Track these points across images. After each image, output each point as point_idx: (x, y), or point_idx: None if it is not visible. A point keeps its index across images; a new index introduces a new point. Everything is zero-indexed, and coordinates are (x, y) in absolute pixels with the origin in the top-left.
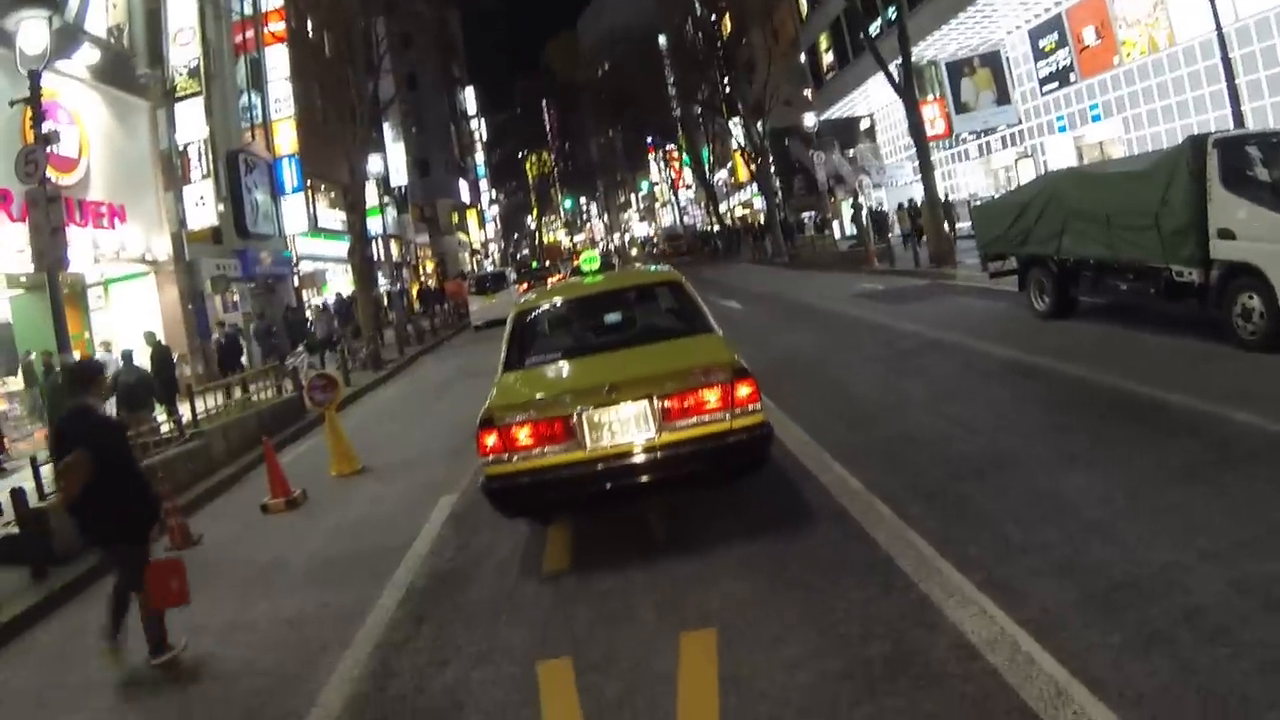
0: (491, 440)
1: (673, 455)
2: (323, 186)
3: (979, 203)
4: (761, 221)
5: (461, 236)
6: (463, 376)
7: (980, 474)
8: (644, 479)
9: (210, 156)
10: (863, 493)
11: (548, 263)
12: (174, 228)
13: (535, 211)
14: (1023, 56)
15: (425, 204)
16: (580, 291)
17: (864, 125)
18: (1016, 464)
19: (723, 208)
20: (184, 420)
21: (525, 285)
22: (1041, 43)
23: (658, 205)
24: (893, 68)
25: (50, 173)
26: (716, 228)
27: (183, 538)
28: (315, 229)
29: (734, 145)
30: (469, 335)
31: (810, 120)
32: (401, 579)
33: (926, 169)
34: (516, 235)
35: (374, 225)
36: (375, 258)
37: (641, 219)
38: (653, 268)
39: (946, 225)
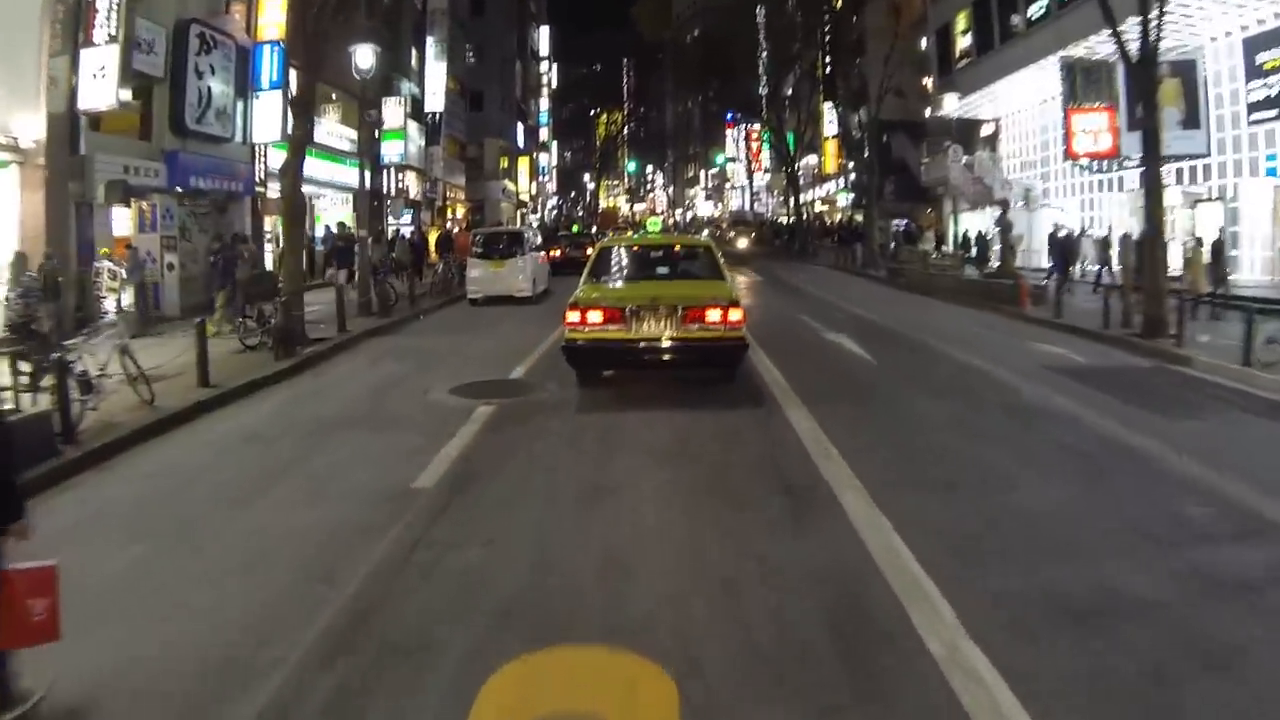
0: (575, 317)
1: (683, 345)
2: (333, 96)
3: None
4: (848, 222)
5: (508, 185)
6: (355, 426)
7: None
8: (664, 356)
9: (120, 13)
10: None
11: (594, 228)
12: (56, 106)
13: (596, 170)
14: (1228, 72)
15: (470, 142)
16: (643, 241)
17: (985, 131)
18: None
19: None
20: None
21: (556, 251)
22: (1260, 58)
23: (727, 186)
24: (1053, 59)
25: None
26: (789, 220)
27: None
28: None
29: (825, 133)
30: (462, 311)
31: (951, 104)
32: None
33: (1154, 188)
34: (574, 194)
35: (391, 151)
36: (386, 191)
37: (708, 198)
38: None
39: (1204, 277)
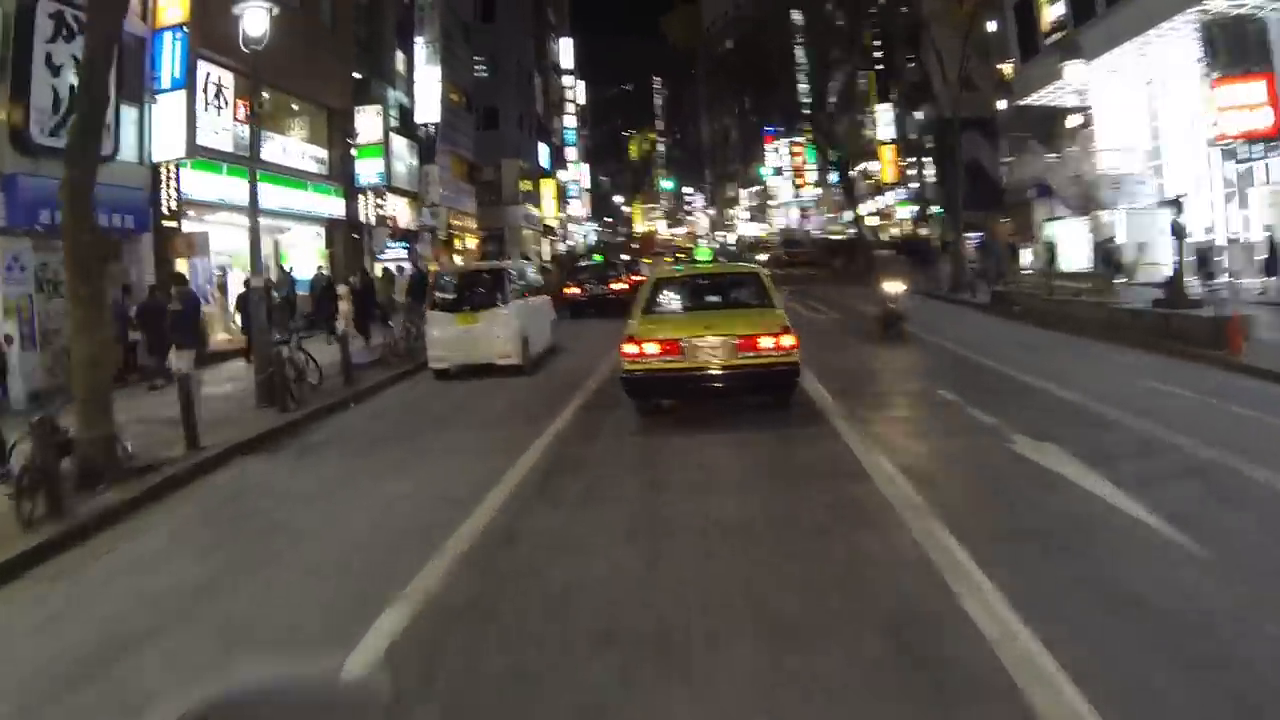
0: (632, 349)
1: (739, 373)
2: (293, 107)
3: None
4: (912, 236)
5: (531, 210)
6: None
7: None
8: (720, 384)
9: None
10: None
11: (627, 256)
12: None
13: (630, 192)
14: None
15: (483, 163)
16: (695, 270)
17: (1071, 122)
18: None
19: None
20: None
21: (574, 288)
22: None
23: (770, 204)
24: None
25: None
26: (841, 238)
27: None
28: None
29: (880, 137)
30: (416, 390)
31: (1076, 75)
32: None
33: None
34: (608, 219)
35: (368, 171)
36: (364, 220)
37: (751, 218)
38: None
39: None
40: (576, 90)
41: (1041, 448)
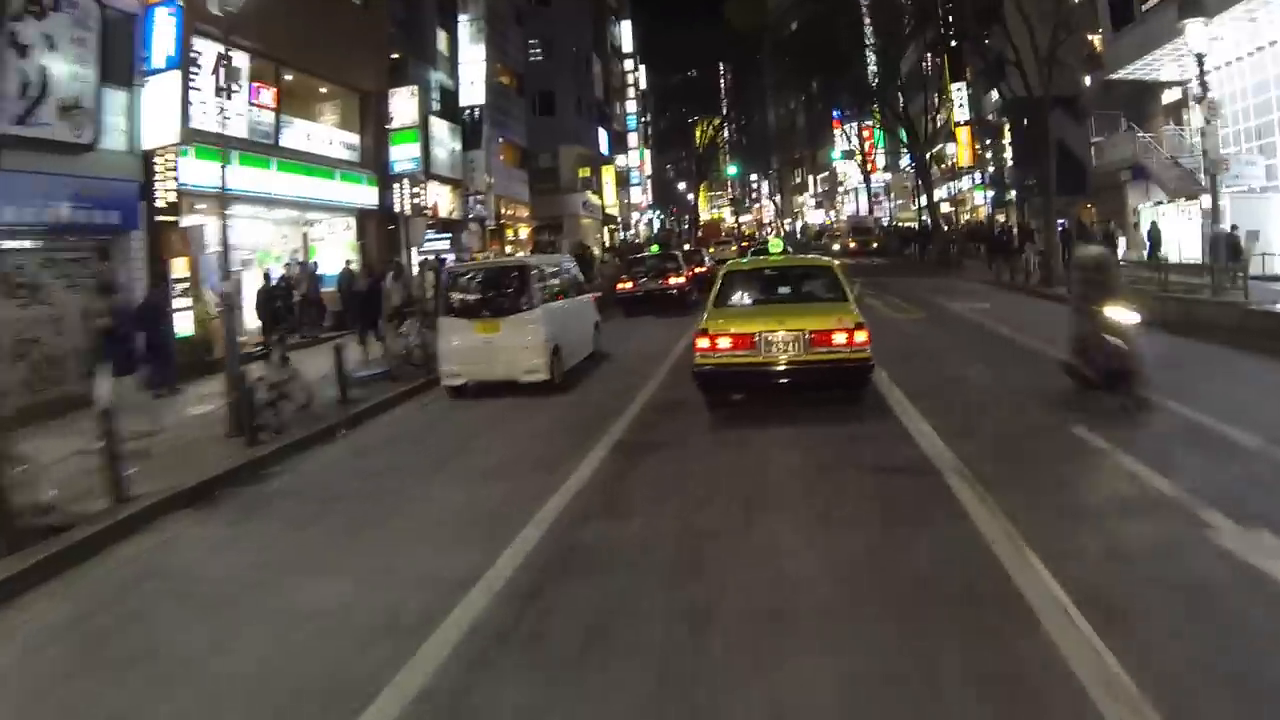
0: (705, 344)
1: (811, 367)
2: (321, 91)
3: None
4: (989, 223)
5: (592, 197)
6: None
7: None
8: (792, 379)
9: None
10: None
11: (690, 245)
12: None
13: (696, 177)
14: None
15: (539, 149)
16: (768, 263)
17: (1167, 99)
18: None
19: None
20: None
21: (628, 282)
22: None
23: (839, 190)
24: None
25: None
26: (919, 223)
27: None
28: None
29: (956, 119)
30: (426, 412)
31: (1197, 37)
32: None
33: None
34: (673, 207)
35: (403, 156)
36: (399, 208)
37: (818, 205)
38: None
39: None
40: (638, 75)
41: (1255, 539)
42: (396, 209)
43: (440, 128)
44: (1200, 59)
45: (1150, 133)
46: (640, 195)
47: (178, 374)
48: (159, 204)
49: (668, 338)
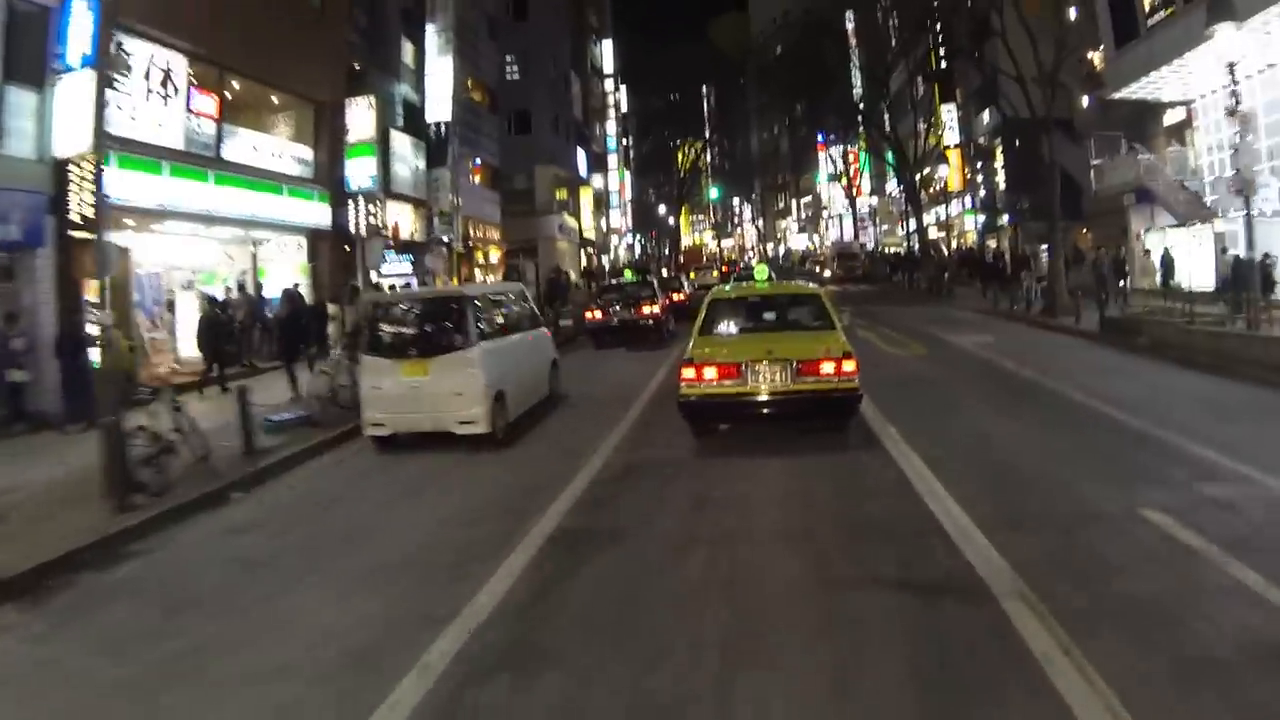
0: (690, 373)
1: (798, 397)
2: (272, 100)
3: None
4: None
5: (569, 220)
6: None
7: None
8: (779, 410)
9: None
10: None
11: (670, 270)
12: None
13: (677, 201)
14: None
15: (513, 170)
16: (754, 291)
17: (1169, 119)
18: None
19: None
20: None
21: (596, 312)
22: None
23: (824, 215)
24: None
25: None
26: (899, 250)
27: None
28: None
29: (946, 141)
30: (344, 469)
31: (1226, 40)
32: None
33: None
34: (654, 232)
35: (359, 173)
36: (354, 228)
37: (801, 229)
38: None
39: None
40: (619, 96)
41: None
42: (351, 229)
43: (403, 143)
44: (1231, 67)
45: (1154, 153)
46: (620, 219)
47: (96, 408)
48: (73, 218)
49: (639, 374)
